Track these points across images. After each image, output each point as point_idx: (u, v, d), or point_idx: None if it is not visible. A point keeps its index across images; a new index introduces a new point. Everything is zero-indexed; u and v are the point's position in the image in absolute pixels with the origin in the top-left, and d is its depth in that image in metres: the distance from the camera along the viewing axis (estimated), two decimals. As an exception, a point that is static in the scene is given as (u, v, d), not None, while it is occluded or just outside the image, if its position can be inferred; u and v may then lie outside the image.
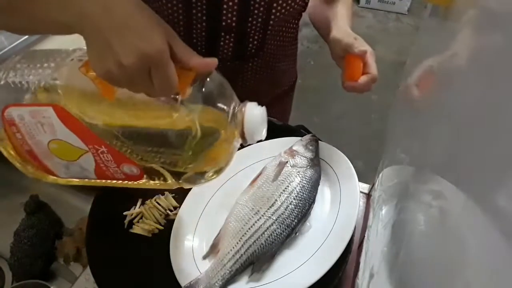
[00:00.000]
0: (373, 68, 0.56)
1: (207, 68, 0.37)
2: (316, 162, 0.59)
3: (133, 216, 0.60)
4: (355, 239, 0.61)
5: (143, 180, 0.42)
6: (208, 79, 0.37)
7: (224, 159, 0.41)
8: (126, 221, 0.59)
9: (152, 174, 0.41)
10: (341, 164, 0.58)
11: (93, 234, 0.57)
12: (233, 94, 0.40)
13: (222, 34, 0.63)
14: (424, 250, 0.34)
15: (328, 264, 0.46)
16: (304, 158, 0.58)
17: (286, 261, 0.51)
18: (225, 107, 0.38)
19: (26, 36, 1.15)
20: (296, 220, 0.52)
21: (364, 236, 0.58)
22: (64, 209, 0.85)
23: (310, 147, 0.60)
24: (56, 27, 0.35)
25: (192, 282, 0.49)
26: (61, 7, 0.33)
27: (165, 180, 0.42)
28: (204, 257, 0.53)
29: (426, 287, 0.32)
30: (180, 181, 0.42)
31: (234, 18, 0.61)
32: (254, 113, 0.39)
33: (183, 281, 0.50)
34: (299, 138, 0.62)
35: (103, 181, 0.43)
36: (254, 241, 0.50)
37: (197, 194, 0.61)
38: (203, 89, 0.37)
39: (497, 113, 0.23)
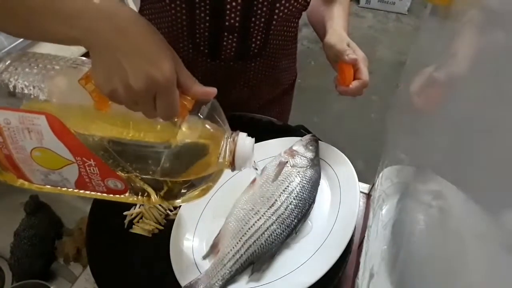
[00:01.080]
0: (364, 75, 0.58)
1: (207, 97, 0.38)
2: (316, 162, 0.59)
3: (133, 216, 0.60)
4: (355, 239, 0.61)
5: (126, 195, 0.43)
6: (205, 105, 0.39)
7: (209, 180, 0.42)
8: (126, 221, 0.59)
9: (136, 190, 0.42)
10: (341, 164, 0.58)
11: (93, 234, 0.57)
12: (225, 121, 0.41)
13: (225, 34, 0.63)
14: (424, 250, 0.34)
15: (328, 264, 0.46)
16: (304, 158, 0.58)
17: (286, 261, 0.51)
18: (217, 133, 0.40)
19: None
20: (296, 220, 0.52)
21: (364, 236, 0.58)
22: (64, 209, 0.85)
23: (310, 147, 0.60)
24: (63, 39, 0.34)
25: (192, 282, 0.49)
26: (69, 21, 0.32)
27: (148, 196, 0.42)
28: (204, 257, 0.53)
29: (426, 287, 0.32)
30: (163, 199, 0.43)
31: (237, 18, 0.61)
32: (245, 144, 0.41)
33: (183, 281, 0.50)
34: (299, 138, 0.62)
35: (80, 191, 0.43)
36: (254, 241, 0.50)
37: (197, 194, 0.61)
38: (200, 115, 0.38)
39: (497, 113, 0.23)
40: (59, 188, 0.43)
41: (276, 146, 0.64)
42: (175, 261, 0.53)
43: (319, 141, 0.62)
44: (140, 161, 0.39)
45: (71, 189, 0.43)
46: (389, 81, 2.41)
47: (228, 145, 0.40)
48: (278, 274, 0.49)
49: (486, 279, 0.21)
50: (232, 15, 0.60)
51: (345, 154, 0.59)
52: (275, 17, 0.63)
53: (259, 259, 0.50)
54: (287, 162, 0.58)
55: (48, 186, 0.43)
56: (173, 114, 0.35)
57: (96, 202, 0.61)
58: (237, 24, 0.61)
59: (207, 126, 0.39)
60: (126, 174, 0.40)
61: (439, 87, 0.38)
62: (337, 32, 0.62)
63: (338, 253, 0.47)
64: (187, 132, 0.37)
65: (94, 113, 0.37)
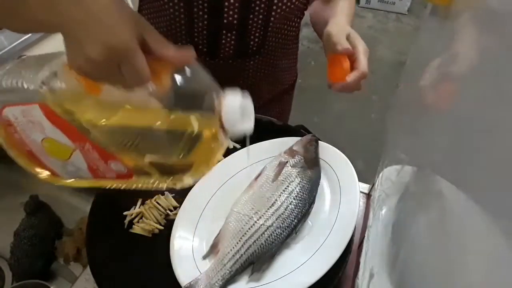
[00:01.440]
0: (362, 64, 0.53)
1: (182, 60, 0.37)
2: (316, 162, 0.59)
3: (133, 216, 0.60)
4: (355, 239, 0.61)
5: (134, 179, 0.42)
6: (188, 72, 0.37)
7: (210, 155, 0.40)
8: (126, 221, 0.59)
9: (141, 173, 0.41)
10: (341, 164, 0.58)
11: (93, 234, 0.57)
12: (214, 85, 0.38)
13: (224, 32, 0.63)
14: (424, 250, 0.34)
15: (328, 264, 0.46)
16: (304, 158, 0.58)
17: (286, 261, 0.51)
18: (205, 101, 0.38)
19: (26, 36, 1.15)
20: (296, 220, 0.52)
21: (364, 236, 0.58)
22: (64, 209, 0.85)
23: (310, 147, 0.60)
24: (40, 26, 0.35)
25: (192, 282, 0.49)
26: (44, 7, 0.33)
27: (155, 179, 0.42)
28: (204, 257, 0.53)
29: (426, 287, 0.32)
30: (169, 180, 0.41)
31: (235, 16, 0.61)
32: (233, 100, 0.37)
33: (183, 281, 0.50)
34: (299, 138, 0.62)
35: (101, 181, 0.43)
36: (254, 241, 0.50)
37: (197, 194, 0.61)
38: (182, 82, 0.36)
39: (497, 113, 0.23)
40: (88, 180, 0.43)
41: (276, 146, 0.64)
42: (175, 261, 0.53)
43: (319, 141, 0.62)
44: (137, 142, 0.38)
45: (90, 179, 0.43)
46: (389, 81, 2.41)
47: (216, 108, 0.38)
48: (278, 274, 0.49)
49: (486, 279, 0.21)
50: (230, 12, 0.60)
51: (345, 154, 0.59)
52: (273, 13, 0.63)
53: (259, 259, 0.50)
54: (287, 162, 0.58)
55: (81, 181, 0.44)
56: (141, 80, 0.34)
57: (96, 202, 0.61)
58: (235, 22, 0.61)
59: (192, 97, 0.38)
60: (127, 156, 0.39)
61: (453, 82, 0.37)
62: (339, 23, 0.59)
63: (338, 253, 0.47)
64: (173, 110, 0.36)
65: (88, 98, 0.37)
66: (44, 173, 0.44)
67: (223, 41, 0.64)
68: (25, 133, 0.39)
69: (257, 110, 0.79)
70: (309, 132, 0.67)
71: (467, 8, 0.33)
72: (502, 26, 0.25)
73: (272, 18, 0.63)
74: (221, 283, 0.48)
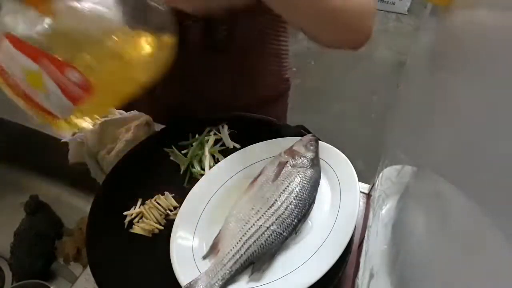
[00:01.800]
0: None
1: None
2: (316, 162, 0.59)
3: (133, 216, 0.60)
4: (355, 239, 0.61)
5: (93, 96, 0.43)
6: None
7: (120, 85, 0.45)
8: (126, 221, 0.59)
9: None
10: (341, 164, 0.58)
11: (93, 234, 0.57)
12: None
13: (190, 23, 0.63)
14: (424, 250, 0.34)
15: (328, 264, 0.46)
16: (304, 158, 0.58)
17: (286, 261, 0.51)
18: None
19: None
20: (296, 220, 0.52)
21: (364, 236, 0.58)
22: (64, 209, 0.86)
23: (310, 147, 0.60)
24: None
25: (192, 282, 0.49)
26: None
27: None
28: (204, 257, 0.53)
29: (426, 287, 0.32)
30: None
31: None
32: None
33: (183, 281, 0.50)
34: (299, 138, 0.62)
35: (81, 107, 0.45)
36: (254, 241, 0.50)
37: (197, 194, 0.61)
38: None
39: (497, 113, 0.23)
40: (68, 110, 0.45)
41: (276, 146, 0.64)
42: (175, 261, 0.53)
43: (319, 141, 0.62)
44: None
45: (71, 108, 0.44)
46: (389, 81, 2.41)
47: None
48: (278, 274, 0.49)
49: (486, 279, 0.21)
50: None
51: (345, 154, 0.59)
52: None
53: (259, 259, 0.50)
54: (287, 162, 0.58)
55: (66, 116, 0.45)
56: None
57: (96, 202, 0.61)
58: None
59: None
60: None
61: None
62: None
63: (338, 253, 0.47)
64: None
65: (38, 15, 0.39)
66: (44, 116, 0.45)
67: (190, 33, 0.64)
68: (13, 73, 0.40)
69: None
70: (309, 132, 0.67)
71: (467, 8, 0.33)
72: (502, 26, 0.25)
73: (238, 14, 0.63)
74: (221, 283, 0.48)
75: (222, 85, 0.75)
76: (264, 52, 0.76)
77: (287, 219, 0.52)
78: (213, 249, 0.53)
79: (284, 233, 0.51)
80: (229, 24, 0.64)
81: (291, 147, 0.60)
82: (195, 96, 0.76)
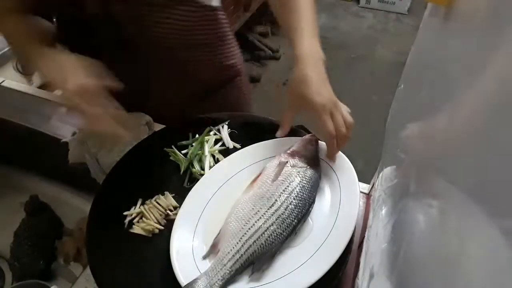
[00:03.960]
0: (329, 152, 0.57)
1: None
2: (316, 162, 0.59)
3: (133, 216, 0.60)
4: (355, 239, 0.61)
5: None
6: None
7: None
8: (126, 221, 0.59)
9: None
10: (341, 164, 0.58)
11: (93, 234, 0.57)
12: None
13: (94, 23, 0.66)
14: (424, 250, 0.34)
15: (328, 264, 0.46)
16: (304, 158, 0.58)
17: (286, 261, 0.51)
18: None
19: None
20: (296, 220, 0.52)
21: (364, 236, 0.58)
22: (64, 209, 0.86)
23: (310, 147, 0.60)
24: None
25: (192, 282, 0.49)
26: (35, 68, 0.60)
27: None
28: (204, 257, 0.53)
29: (426, 287, 0.32)
30: None
31: (96, 4, 0.63)
32: None
33: (183, 281, 0.50)
34: (299, 138, 0.62)
35: None
36: (254, 241, 0.50)
37: (197, 194, 0.61)
38: None
39: (497, 113, 0.23)
40: None
41: (276, 146, 0.64)
42: (175, 261, 0.53)
43: (319, 141, 0.62)
44: None
45: None
46: (389, 81, 2.41)
47: None
48: (278, 274, 0.49)
49: (486, 279, 0.21)
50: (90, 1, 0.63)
51: (345, 154, 0.59)
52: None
53: (259, 259, 0.50)
54: (287, 162, 0.58)
55: None
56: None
57: (96, 202, 0.61)
58: (100, 8, 0.64)
59: None
60: None
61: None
62: (306, 69, 0.56)
63: (338, 253, 0.47)
64: None
65: None
66: None
67: (97, 32, 0.67)
68: None
69: (190, 106, 0.83)
70: (309, 132, 0.67)
71: (467, 8, 0.33)
72: (502, 26, 0.25)
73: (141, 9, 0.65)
74: (221, 283, 0.48)
75: (158, 83, 0.79)
76: (195, 43, 0.76)
77: (287, 219, 0.52)
78: (213, 249, 0.53)
79: (284, 233, 0.51)
80: (133, 21, 0.67)
81: (291, 147, 0.60)
82: (141, 94, 0.78)
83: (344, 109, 0.57)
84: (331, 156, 0.58)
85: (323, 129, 0.55)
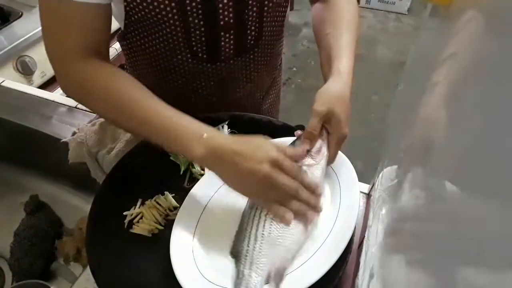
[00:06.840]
0: (332, 150, 0.55)
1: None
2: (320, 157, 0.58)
3: (133, 216, 0.60)
4: (355, 239, 0.61)
5: None
6: None
7: None
8: (126, 221, 0.59)
9: None
10: (341, 164, 0.58)
11: (93, 234, 0.57)
12: None
13: (222, 33, 0.63)
14: (424, 250, 0.34)
15: (328, 264, 0.46)
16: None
17: (286, 261, 0.51)
18: None
19: (26, 36, 1.16)
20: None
21: (364, 236, 0.58)
22: (64, 209, 0.86)
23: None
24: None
25: None
26: (179, 151, 0.57)
27: None
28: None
29: (426, 287, 0.31)
30: None
31: (231, 15, 0.60)
32: None
33: (183, 281, 0.50)
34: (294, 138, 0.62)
35: None
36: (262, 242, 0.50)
37: (197, 194, 0.61)
38: None
39: (497, 113, 0.24)
40: None
41: (276, 146, 0.63)
42: (175, 261, 0.53)
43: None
44: None
45: None
46: (389, 81, 2.41)
47: None
48: (278, 274, 0.49)
49: (487, 279, 0.21)
50: (226, 13, 0.60)
51: (345, 154, 0.59)
52: (266, 2, 0.62)
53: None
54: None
55: None
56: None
57: (96, 202, 0.61)
58: (231, 21, 0.61)
59: None
60: None
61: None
62: (333, 91, 0.57)
63: (338, 253, 0.47)
64: None
65: None
66: None
67: (222, 43, 0.64)
68: None
69: (261, 100, 0.80)
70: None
71: (467, 8, 0.33)
72: (502, 26, 0.25)
73: (265, 8, 0.63)
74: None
75: (250, 82, 0.76)
76: (280, 37, 0.77)
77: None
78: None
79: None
80: (257, 24, 0.65)
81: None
82: (225, 100, 0.77)
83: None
84: (333, 159, 0.56)
85: (338, 131, 0.55)
